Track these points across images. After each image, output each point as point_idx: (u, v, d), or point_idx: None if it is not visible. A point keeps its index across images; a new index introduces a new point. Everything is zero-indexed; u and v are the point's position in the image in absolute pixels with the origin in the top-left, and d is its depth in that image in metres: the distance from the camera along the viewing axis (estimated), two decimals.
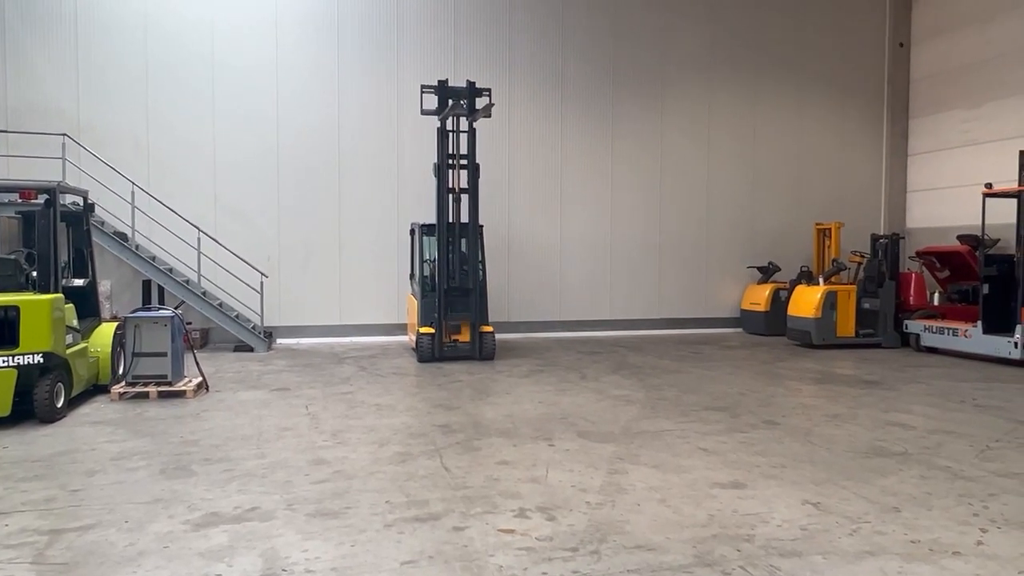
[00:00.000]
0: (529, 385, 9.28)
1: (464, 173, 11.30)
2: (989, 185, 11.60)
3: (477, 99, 11.18)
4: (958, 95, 15.63)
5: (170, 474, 5.49)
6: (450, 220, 11.22)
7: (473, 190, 11.29)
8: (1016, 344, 10.80)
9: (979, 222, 11.58)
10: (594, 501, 4.91)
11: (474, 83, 11.31)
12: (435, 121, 11.42)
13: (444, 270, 11.12)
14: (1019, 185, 11.16)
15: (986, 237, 11.73)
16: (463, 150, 11.30)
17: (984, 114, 15.01)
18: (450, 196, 11.24)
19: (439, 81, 11.33)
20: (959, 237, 12.68)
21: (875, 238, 13.70)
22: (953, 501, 4.95)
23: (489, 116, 11.24)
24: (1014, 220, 11.19)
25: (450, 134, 11.27)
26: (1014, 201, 11.26)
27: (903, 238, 14.46)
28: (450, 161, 11.26)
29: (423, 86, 11.44)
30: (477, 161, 11.33)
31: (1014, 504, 4.90)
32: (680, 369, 10.62)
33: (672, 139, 15.69)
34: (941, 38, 16.10)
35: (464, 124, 11.34)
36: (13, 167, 12.13)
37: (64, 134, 12.12)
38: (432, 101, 11.29)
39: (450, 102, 11.06)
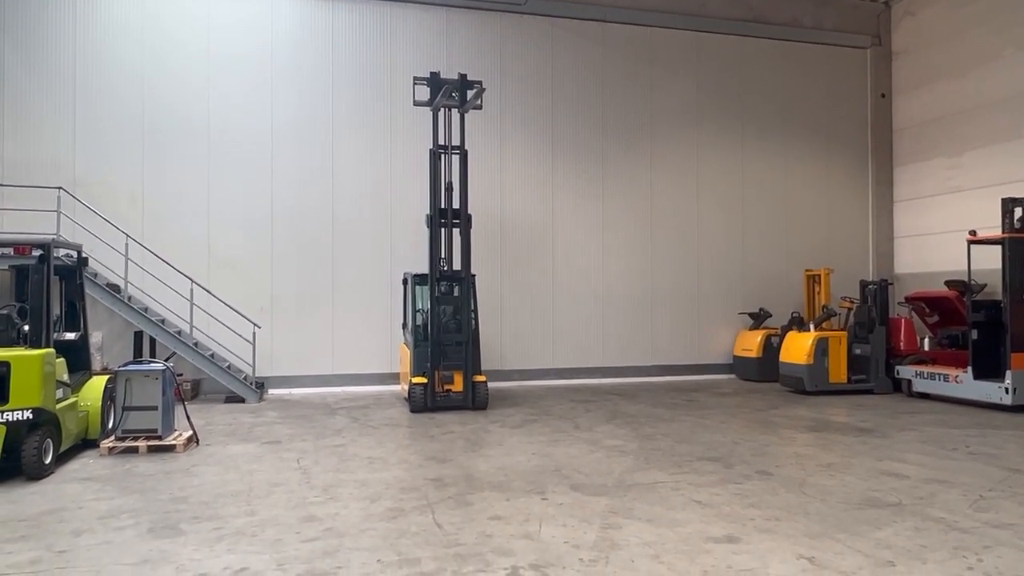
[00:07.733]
0: (522, 436, 9.23)
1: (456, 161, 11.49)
2: (973, 232, 11.77)
3: (468, 91, 11.41)
4: (940, 144, 15.98)
5: (158, 533, 5.42)
6: (442, 219, 11.35)
7: (465, 239, 11.39)
8: (1007, 390, 10.84)
9: (966, 266, 11.72)
10: (587, 558, 4.86)
11: (465, 75, 11.54)
12: (426, 174, 11.58)
13: (436, 320, 11.15)
14: (1003, 232, 11.34)
15: (973, 283, 11.85)
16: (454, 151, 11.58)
17: (966, 162, 15.33)
18: (442, 189, 11.44)
19: (431, 72, 11.57)
20: (947, 282, 12.82)
21: (864, 284, 13.83)
22: (948, 554, 4.93)
23: (480, 108, 11.52)
24: (999, 266, 11.34)
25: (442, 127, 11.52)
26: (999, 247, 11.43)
27: (892, 284, 14.61)
28: (441, 151, 11.52)
29: (415, 78, 11.70)
30: (467, 153, 11.56)
31: (1008, 556, 4.88)
32: (674, 418, 10.59)
33: (662, 188, 15.93)
34: (921, 90, 16.53)
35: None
36: (9, 219, 12.22)
37: (60, 187, 12.25)
38: (424, 93, 11.57)
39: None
